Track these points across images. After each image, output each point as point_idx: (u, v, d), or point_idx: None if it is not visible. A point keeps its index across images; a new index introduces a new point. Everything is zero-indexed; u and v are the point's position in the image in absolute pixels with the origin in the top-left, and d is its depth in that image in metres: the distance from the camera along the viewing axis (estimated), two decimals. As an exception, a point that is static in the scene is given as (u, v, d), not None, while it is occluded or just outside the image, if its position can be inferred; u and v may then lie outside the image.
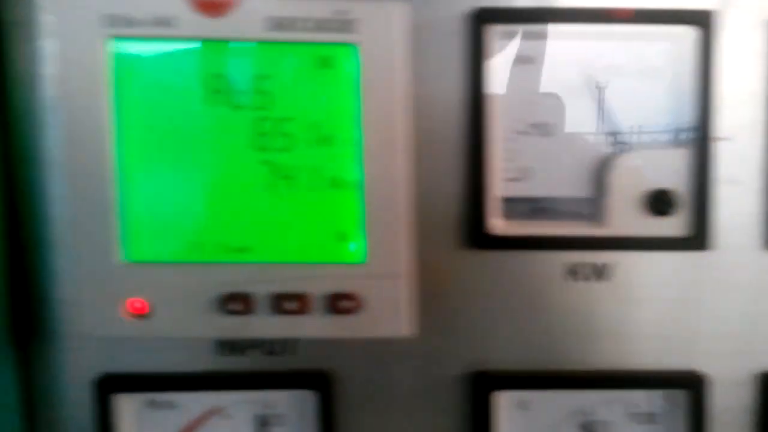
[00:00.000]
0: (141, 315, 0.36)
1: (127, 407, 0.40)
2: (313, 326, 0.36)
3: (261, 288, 0.36)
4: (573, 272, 0.40)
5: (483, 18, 0.37)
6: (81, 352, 0.40)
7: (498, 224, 0.39)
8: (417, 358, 0.41)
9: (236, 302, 0.36)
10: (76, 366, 0.40)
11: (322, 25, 0.34)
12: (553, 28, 0.38)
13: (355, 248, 0.37)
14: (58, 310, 0.39)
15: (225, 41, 0.34)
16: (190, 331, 0.36)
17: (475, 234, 0.39)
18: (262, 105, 0.36)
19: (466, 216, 0.39)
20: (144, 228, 0.36)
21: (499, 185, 0.39)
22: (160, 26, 0.33)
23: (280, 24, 0.34)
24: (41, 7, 0.34)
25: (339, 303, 0.36)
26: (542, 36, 0.38)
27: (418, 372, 0.41)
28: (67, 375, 0.40)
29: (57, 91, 0.34)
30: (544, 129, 0.39)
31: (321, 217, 0.37)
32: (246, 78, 0.35)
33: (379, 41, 0.34)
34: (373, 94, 0.35)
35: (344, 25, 0.34)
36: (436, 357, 0.41)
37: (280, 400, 0.41)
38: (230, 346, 0.40)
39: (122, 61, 0.35)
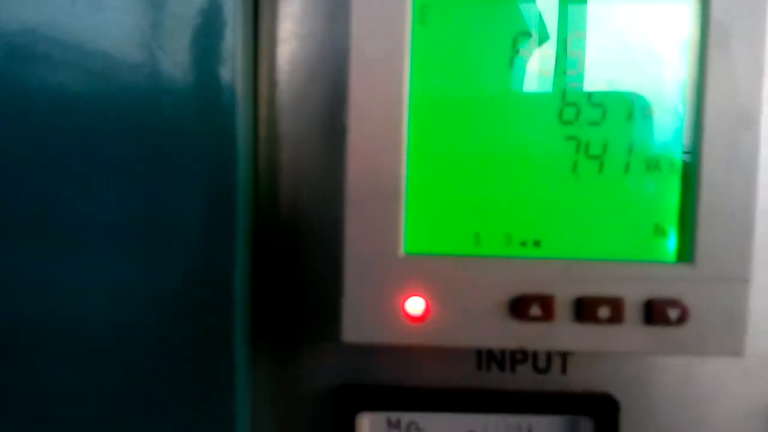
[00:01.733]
0: (420, 318, 0.30)
1: (366, 427, 0.34)
2: (628, 339, 0.29)
3: (564, 290, 0.29)
4: None
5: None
6: (321, 358, 0.34)
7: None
8: (721, 384, 0.34)
9: (535, 306, 0.29)
10: (314, 375, 0.34)
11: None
12: None
13: (674, 245, 0.30)
14: (296, 312, 0.34)
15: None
16: (474, 338, 0.30)
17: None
18: (573, 69, 0.30)
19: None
20: (426, 214, 0.30)
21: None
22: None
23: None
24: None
25: (661, 311, 0.29)
26: None
27: (719, 401, 0.34)
28: (302, 384, 0.34)
29: (352, 46, 0.28)
30: None
31: (634, 205, 0.30)
32: (558, 37, 0.29)
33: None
34: (726, 54, 0.28)
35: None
36: (744, 381, 0.34)
37: (548, 426, 0.34)
38: (496, 360, 0.34)
39: (420, 14, 0.29)
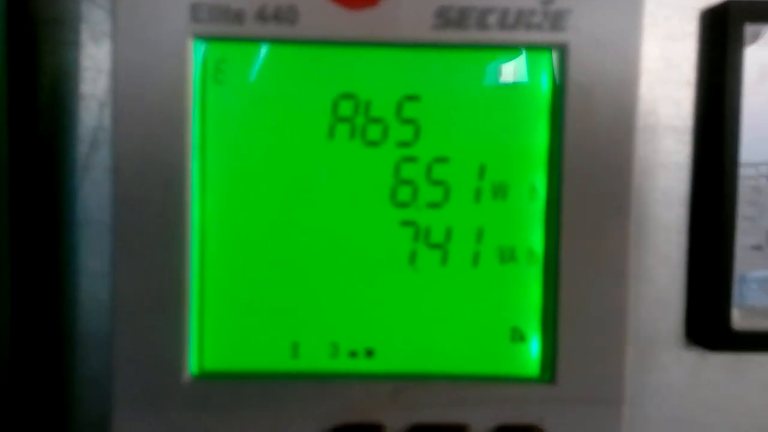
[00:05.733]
0: (215, 459, 0.23)
1: None
2: (476, 478, 0.24)
3: (395, 417, 0.24)
4: None
5: (731, 16, 0.25)
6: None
7: (736, 315, 0.27)
8: None
9: (359, 439, 0.24)
10: None
11: (516, 19, 0.22)
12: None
13: (536, 354, 0.25)
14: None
15: (368, 45, 0.23)
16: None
17: (704, 329, 0.26)
18: (408, 140, 0.24)
19: (689, 301, 0.27)
20: (222, 322, 0.24)
21: (736, 255, 0.27)
22: (275, 22, 0.22)
23: (456, 18, 0.22)
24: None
25: (516, 442, 0.24)
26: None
27: None
28: None
29: (119, 111, 0.22)
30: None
31: (486, 305, 0.24)
32: (388, 100, 0.24)
33: (601, 43, 0.22)
34: (588, 122, 0.23)
35: (547, 19, 0.22)
36: None
37: None
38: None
39: (213, 71, 0.23)
